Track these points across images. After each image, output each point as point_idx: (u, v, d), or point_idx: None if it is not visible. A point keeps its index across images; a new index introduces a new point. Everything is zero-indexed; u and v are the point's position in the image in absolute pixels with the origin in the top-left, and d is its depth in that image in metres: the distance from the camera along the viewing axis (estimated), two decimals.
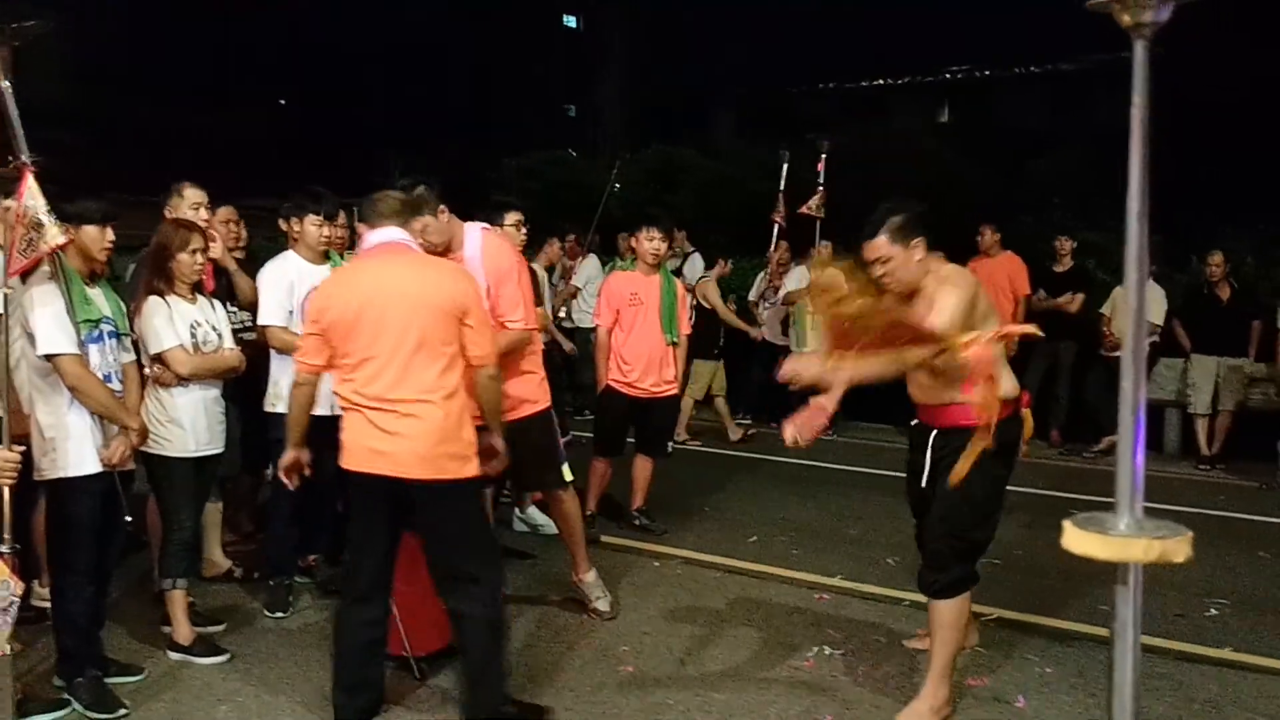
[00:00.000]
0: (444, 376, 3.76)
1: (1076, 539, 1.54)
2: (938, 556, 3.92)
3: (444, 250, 4.62)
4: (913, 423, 4.15)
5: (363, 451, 3.81)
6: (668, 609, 5.23)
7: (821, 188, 10.57)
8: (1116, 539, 1.51)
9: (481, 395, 4.03)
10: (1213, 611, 5.28)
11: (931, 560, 3.95)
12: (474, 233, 4.75)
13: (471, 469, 3.83)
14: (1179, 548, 1.49)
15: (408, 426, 3.73)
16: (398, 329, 3.73)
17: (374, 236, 3.97)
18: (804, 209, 10.48)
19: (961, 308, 3.64)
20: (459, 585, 3.84)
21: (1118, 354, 9.39)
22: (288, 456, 4.11)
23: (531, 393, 4.89)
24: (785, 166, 10.95)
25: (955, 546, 3.88)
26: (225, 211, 5.64)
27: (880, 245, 3.81)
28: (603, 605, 5.12)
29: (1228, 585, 5.66)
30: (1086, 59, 18.57)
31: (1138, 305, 1.52)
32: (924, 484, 4.03)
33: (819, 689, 4.31)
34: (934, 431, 3.97)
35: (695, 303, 9.78)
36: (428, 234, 4.56)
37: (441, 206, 4.60)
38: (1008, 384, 3.82)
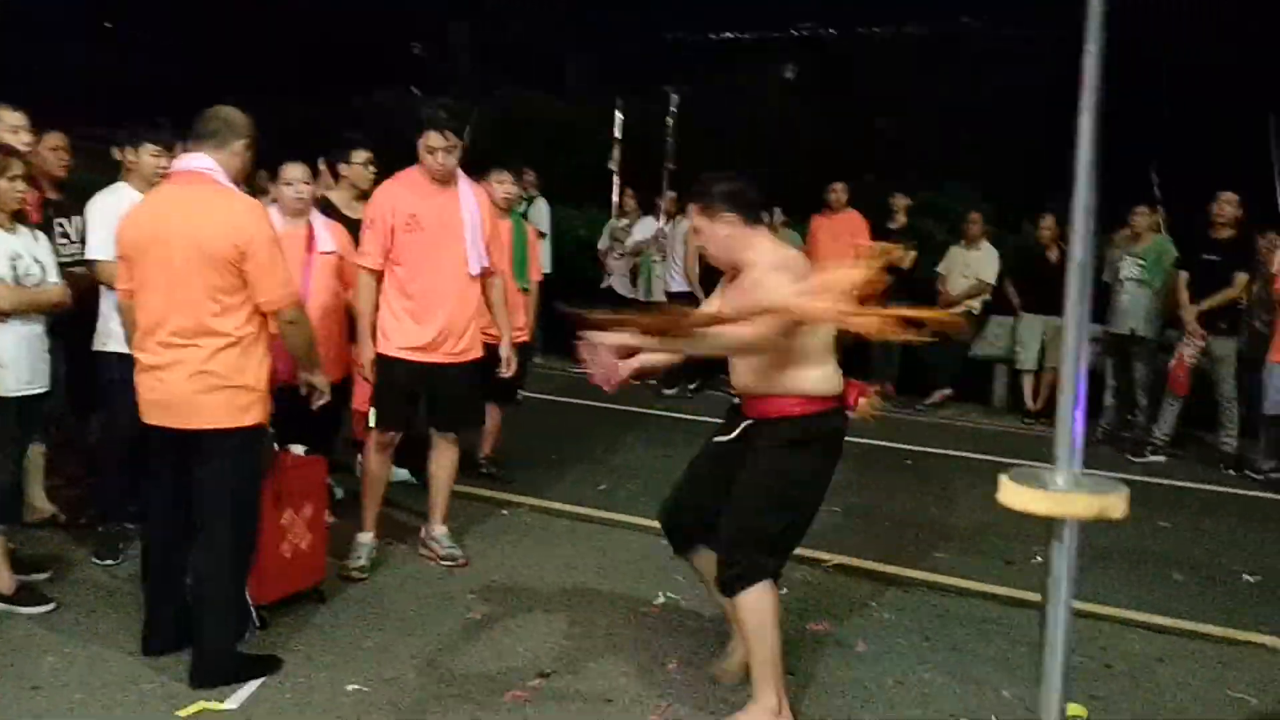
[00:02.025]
0: (220, 320, 3.62)
1: (1016, 495, 1.53)
2: (725, 550, 3.55)
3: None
4: (735, 401, 3.80)
5: (143, 404, 3.72)
6: (515, 556, 5.21)
7: (670, 139, 10.63)
8: (1057, 495, 1.51)
9: (286, 341, 3.93)
10: (1038, 559, 5.53)
11: (720, 553, 3.58)
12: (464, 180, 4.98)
13: (251, 417, 3.71)
14: (1117, 503, 1.51)
15: (177, 374, 3.62)
16: (172, 267, 3.60)
17: (179, 162, 3.81)
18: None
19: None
20: (206, 534, 3.74)
21: (952, 311, 9.73)
22: None
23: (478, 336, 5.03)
24: (620, 117, 10.95)
25: (743, 540, 3.51)
26: (54, 138, 5.28)
27: (693, 212, 3.69)
28: (456, 552, 5.08)
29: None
30: (932, 24, 19.03)
31: (1082, 259, 1.53)
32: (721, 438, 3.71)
33: (666, 635, 4.36)
34: (748, 420, 3.65)
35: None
36: (448, 159, 4.80)
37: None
38: (827, 378, 3.56)
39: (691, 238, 9.46)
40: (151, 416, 3.72)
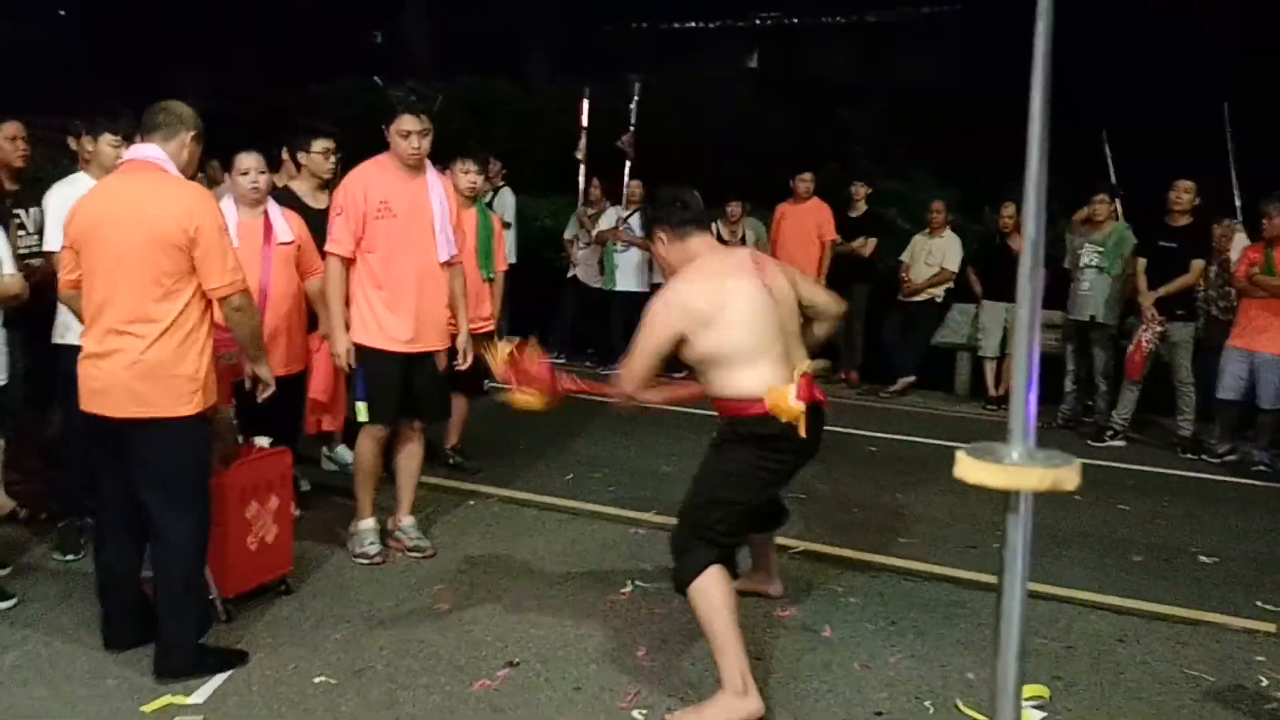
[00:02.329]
0: (161, 306, 3.62)
1: (972, 469, 1.57)
2: (673, 541, 3.76)
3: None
4: None
5: (83, 392, 3.71)
6: (484, 547, 5.20)
7: (633, 127, 10.61)
8: (1012, 469, 1.55)
9: (233, 329, 3.92)
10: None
11: (671, 549, 3.75)
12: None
13: (191, 406, 3.69)
14: (1069, 476, 1.55)
15: (115, 362, 3.61)
16: (117, 253, 3.60)
17: (129, 153, 3.85)
18: (620, 143, 10.50)
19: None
20: (156, 526, 3.73)
21: (915, 299, 9.81)
22: None
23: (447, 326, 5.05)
24: (587, 104, 10.93)
25: (681, 533, 3.72)
26: (11, 128, 5.20)
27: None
28: (423, 543, 5.10)
29: None
30: (891, 12, 19.12)
31: (1035, 236, 1.54)
32: None
33: (634, 623, 4.38)
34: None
35: None
36: (423, 142, 4.80)
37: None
38: (752, 382, 3.58)
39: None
40: (91, 405, 3.69)
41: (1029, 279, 1.56)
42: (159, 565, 3.76)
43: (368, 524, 5.01)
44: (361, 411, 4.90)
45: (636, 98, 10.74)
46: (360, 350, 4.85)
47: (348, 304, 4.89)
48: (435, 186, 4.93)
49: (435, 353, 4.97)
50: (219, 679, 3.72)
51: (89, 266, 3.68)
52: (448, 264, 4.97)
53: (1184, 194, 7.89)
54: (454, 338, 5.15)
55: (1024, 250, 1.58)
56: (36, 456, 5.67)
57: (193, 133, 3.84)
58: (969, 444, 1.66)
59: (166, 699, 3.58)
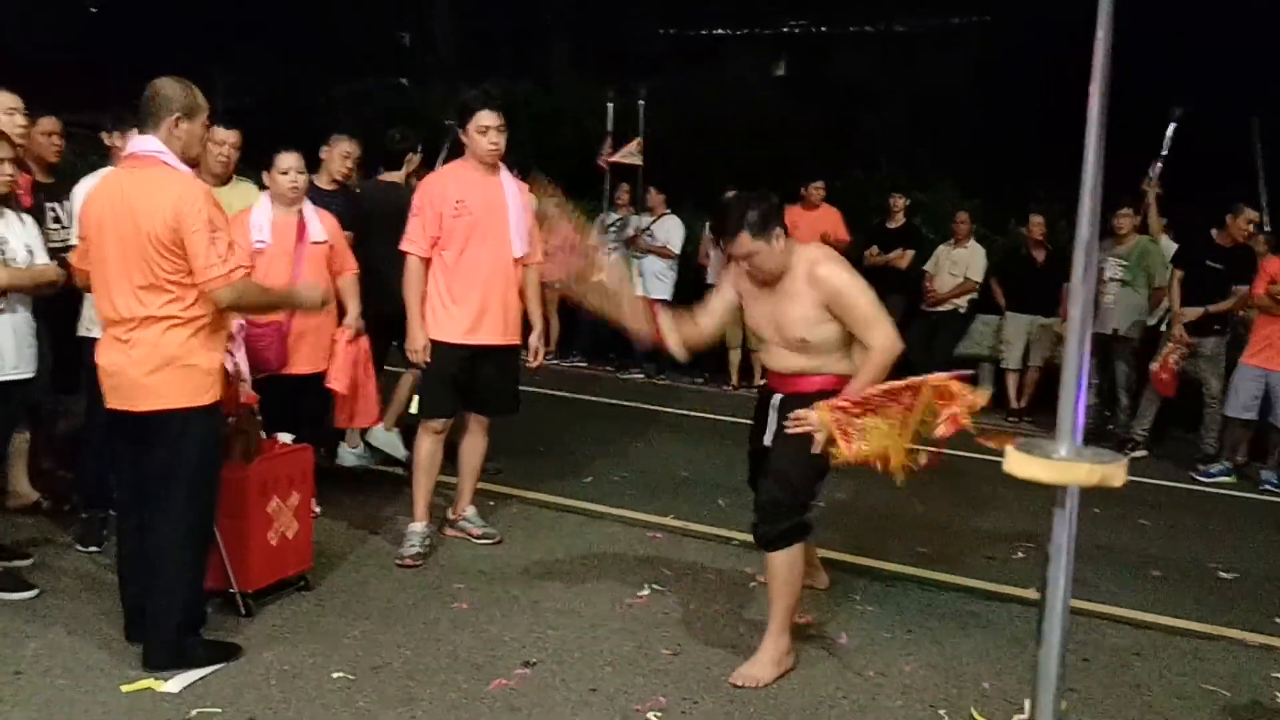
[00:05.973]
0: (168, 306, 3.63)
1: (1021, 464, 1.59)
2: (766, 509, 3.92)
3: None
4: (760, 382, 4.29)
5: (105, 391, 3.76)
6: (502, 548, 5.21)
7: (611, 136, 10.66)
8: (1059, 464, 1.57)
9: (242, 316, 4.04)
10: (1019, 555, 5.57)
11: (761, 513, 3.94)
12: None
13: (205, 398, 3.72)
14: (1117, 472, 1.56)
15: (124, 355, 3.65)
16: (119, 250, 3.61)
17: (129, 145, 3.83)
18: (616, 157, 10.52)
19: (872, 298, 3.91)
20: (158, 514, 3.75)
21: (938, 309, 9.74)
22: None
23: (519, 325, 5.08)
24: (611, 107, 10.95)
25: (785, 499, 3.90)
26: (48, 123, 5.24)
27: (744, 242, 3.86)
28: (491, 530, 5.24)
29: (1033, 530, 5.93)
30: (918, 20, 19.10)
31: (1088, 237, 1.55)
32: (765, 442, 4.09)
33: (652, 625, 4.38)
34: (779, 395, 4.02)
35: None
36: (500, 138, 4.81)
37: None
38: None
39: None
40: (113, 402, 3.74)
41: (1081, 279, 1.58)
42: (153, 553, 3.75)
43: (416, 527, 5.02)
44: (415, 405, 4.96)
45: (641, 102, 10.76)
46: None
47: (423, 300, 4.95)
48: (510, 185, 5.00)
49: (505, 346, 4.99)
50: (238, 675, 3.73)
51: (96, 265, 3.70)
52: (523, 262, 5.02)
53: (1249, 225, 7.83)
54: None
55: (1076, 251, 1.60)
56: (60, 448, 5.73)
57: (177, 114, 3.68)
58: (994, 460, 1.67)
59: (147, 683, 3.64)
